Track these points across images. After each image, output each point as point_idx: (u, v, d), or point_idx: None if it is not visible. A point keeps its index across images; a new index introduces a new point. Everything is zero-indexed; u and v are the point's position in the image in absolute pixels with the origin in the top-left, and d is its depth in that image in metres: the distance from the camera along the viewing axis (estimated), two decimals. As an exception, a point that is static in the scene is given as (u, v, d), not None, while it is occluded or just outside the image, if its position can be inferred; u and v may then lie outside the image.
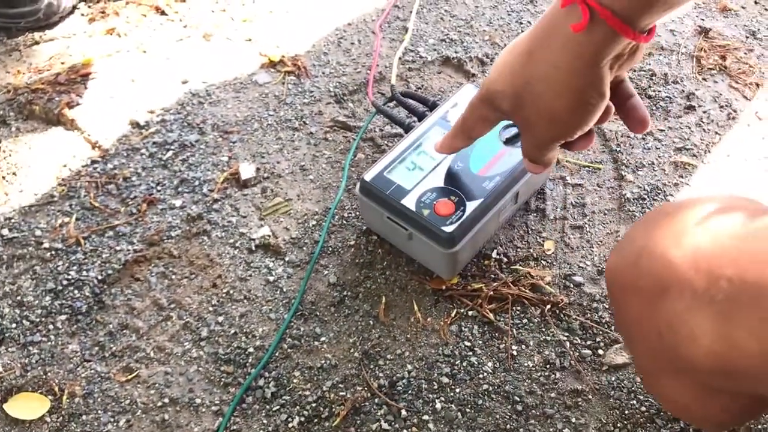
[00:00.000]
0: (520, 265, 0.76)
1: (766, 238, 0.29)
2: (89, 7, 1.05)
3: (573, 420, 0.65)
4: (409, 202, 0.69)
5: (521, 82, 0.51)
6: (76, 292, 0.74)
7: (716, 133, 0.89)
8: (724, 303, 0.29)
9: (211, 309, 0.73)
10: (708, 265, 0.30)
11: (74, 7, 1.04)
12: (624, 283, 0.35)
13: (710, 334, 0.29)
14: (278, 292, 0.74)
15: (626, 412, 0.65)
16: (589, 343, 0.70)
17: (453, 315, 0.72)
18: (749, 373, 0.29)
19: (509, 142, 0.73)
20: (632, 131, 0.58)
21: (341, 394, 0.67)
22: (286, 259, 0.76)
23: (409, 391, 0.67)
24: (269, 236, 0.78)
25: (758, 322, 0.28)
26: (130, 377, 0.68)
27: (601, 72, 0.48)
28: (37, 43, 1.00)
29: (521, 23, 1.03)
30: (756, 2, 1.08)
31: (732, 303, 0.29)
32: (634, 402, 0.66)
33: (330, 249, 0.77)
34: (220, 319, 0.72)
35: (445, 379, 0.67)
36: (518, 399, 0.66)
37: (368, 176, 0.72)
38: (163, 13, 1.04)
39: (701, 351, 0.30)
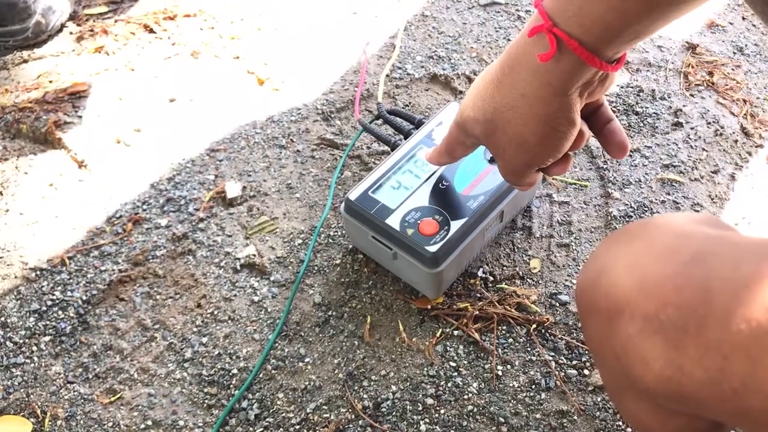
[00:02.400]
0: (506, 284, 0.76)
1: (710, 265, 0.29)
2: (78, 25, 1.05)
3: (558, 441, 0.65)
4: (394, 221, 0.69)
5: (491, 110, 0.52)
6: (60, 312, 0.74)
7: (703, 149, 0.89)
8: (672, 330, 0.29)
9: (195, 329, 0.72)
10: (656, 291, 0.31)
11: (63, 26, 1.04)
12: (586, 303, 0.35)
13: (661, 359, 0.30)
14: (263, 312, 0.73)
15: (612, 432, 0.65)
16: (574, 362, 0.70)
17: (438, 335, 0.71)
18: (697, 399, 0.29)
19: (494, 161, 0.73)
20: (611, 156, 0.58)
21: (325, 415, 0.66)
22: (272, 278, 0.76)
23: (394, 413, 0.66)
24: (254, 255, 0.78)
25: (703, 351, 0.28)
26: (113, 399, 0.68)
27: (569, 100, 0.48)
28: (25, 61, 1.00)
29: (509, 40, 1.03)
30: (743, 18, 1.08)
31: (679, 330, 0.29)
32: (620, 423, 0.66)
33: (315, 268, 0.77)
34: (205, 339, 0.71)
35: (429, 400, 0.67)
36: (503, 420, 0.66)
37: (353, 195, 0.71)
38: (151, 31, 1.04)
39: (653, 375, 0.30)
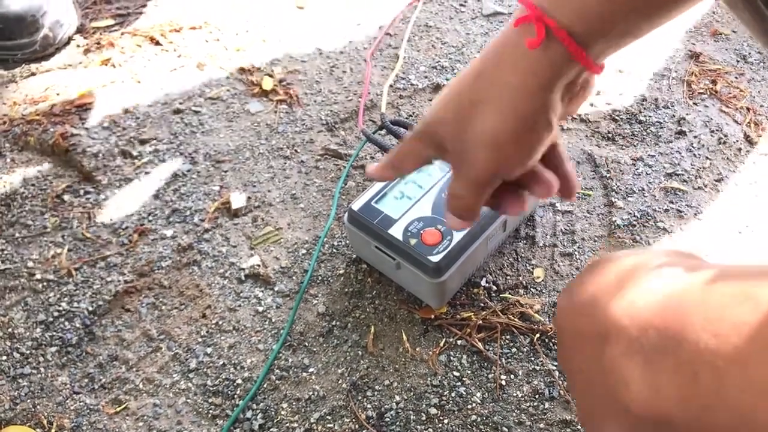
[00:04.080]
0: (509, 294, 0.76)
1: (689, 293, 0.31)
2: (85, 38, 1.07)
3: (562, 451, 0.65)
4: (397, 231, 0.70)
5: (467, 104, 0.49)
6: (66, 323, 0.74)
7: (707, 158, 0.89)
8: (651, 352, 0.30)
9: (200, 340, 0.73)
10: (640, 316, 0.32)
11: (70, 39, 1.06)
12: (573, 328, 0.36)
13: (639, 380, 0.30)
14: (267, 322, 0.74)
15: (615, 442, 0.65)
16: (578, 372, 0.70)
17: (442, 344, 0.72)
18: (673, 419, 0.29)
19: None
20: (560, 196, 0.55)
21: (329, 425, 0.66)
22: (276, 288, 0.76)
23: (398, 423, 0.66)
24: (259, 266, 0.78)
25: (676, 370, 0.29)
26: (118, 409, 0.68)
27: (552, 98, 0.47)
28: (33, 74, 1.01)
29: (512, 49, 1.03)
30: (746, 26, 1.08)
31: (657, 352, 0.30)
32: (624, 432, 0.66)
33: (319, 278, 0.77)
34: (209, 350, 0.72)
35: (433, 410, 0.67)
36: (507, 430, 0.66)
37: (356, 206, 0.72)
38: (157, 43, 1.05)
39: (632, 396, 0.31)
